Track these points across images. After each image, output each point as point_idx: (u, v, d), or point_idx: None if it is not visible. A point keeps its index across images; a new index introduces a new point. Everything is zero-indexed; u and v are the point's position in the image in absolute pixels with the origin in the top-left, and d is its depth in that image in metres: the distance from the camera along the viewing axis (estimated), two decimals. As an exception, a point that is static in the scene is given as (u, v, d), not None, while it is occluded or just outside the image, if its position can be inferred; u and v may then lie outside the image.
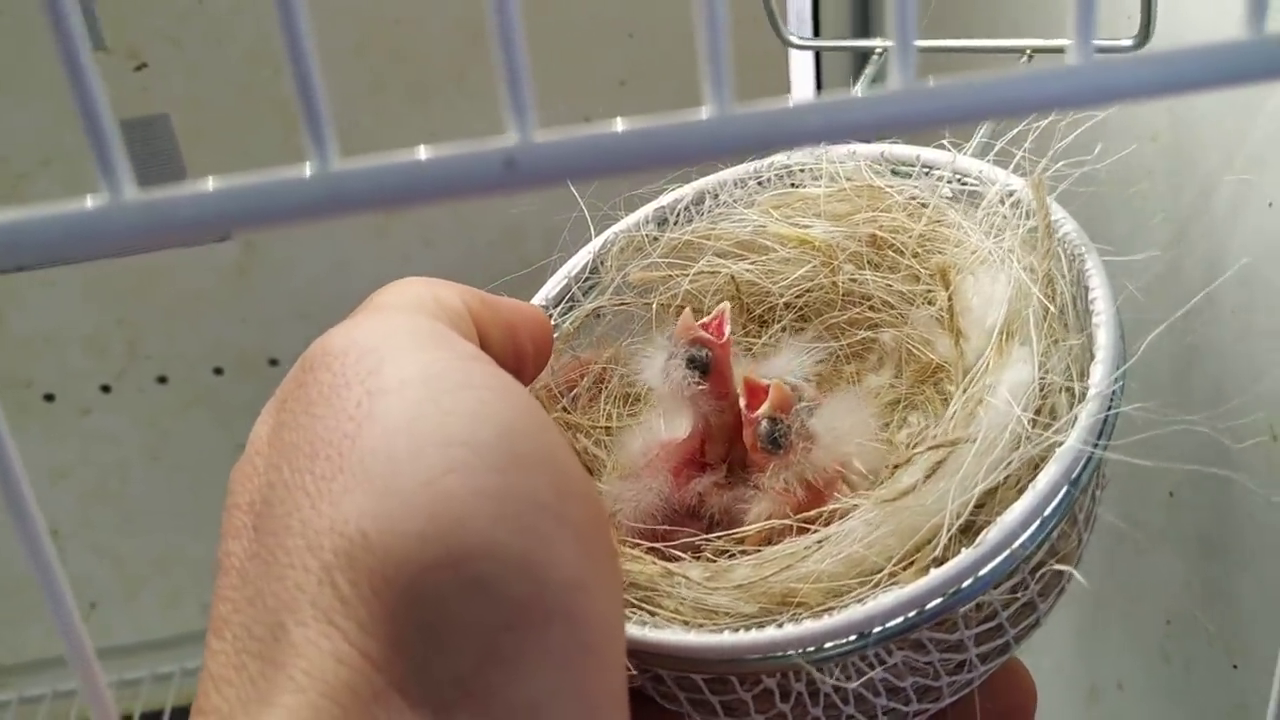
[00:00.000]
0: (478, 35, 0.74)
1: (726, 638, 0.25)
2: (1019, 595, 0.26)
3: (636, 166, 0.16)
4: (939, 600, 0.24)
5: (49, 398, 0.81)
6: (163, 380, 0.82)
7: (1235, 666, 0.48)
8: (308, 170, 0.16)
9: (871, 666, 0.25)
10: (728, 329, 0.31)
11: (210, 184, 0.16)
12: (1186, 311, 0.45)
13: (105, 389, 0.82)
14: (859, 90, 0.44)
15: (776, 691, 0.26)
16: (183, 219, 0.16)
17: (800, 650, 0.25)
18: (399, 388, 0.20)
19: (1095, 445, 0.26)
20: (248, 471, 0.22)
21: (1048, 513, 0.25)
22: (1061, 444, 0.26)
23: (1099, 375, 0.27)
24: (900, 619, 0.24)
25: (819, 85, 0.74)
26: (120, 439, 0.83)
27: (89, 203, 0.16)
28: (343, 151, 0.15)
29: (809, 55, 0.69)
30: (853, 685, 0.25)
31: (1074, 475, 0.25)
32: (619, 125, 0.16)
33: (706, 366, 0.31)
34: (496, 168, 0.15)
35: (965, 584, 0.25)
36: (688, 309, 0.32)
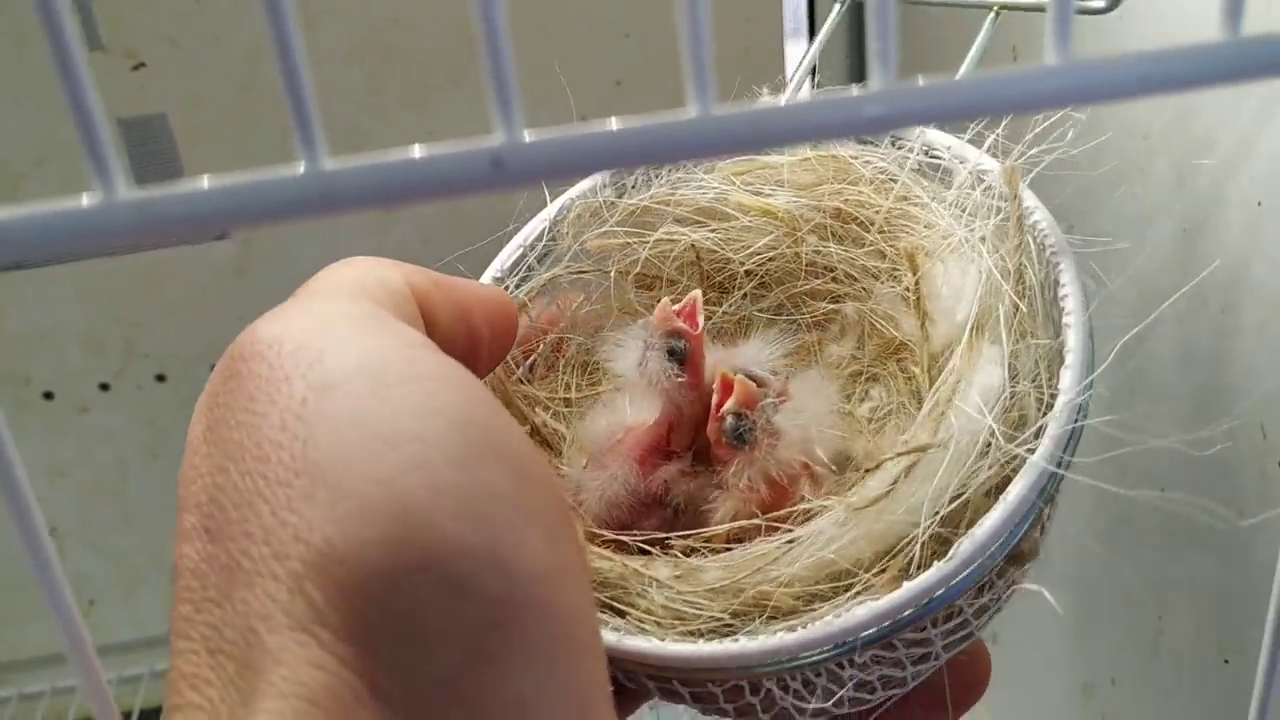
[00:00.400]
0: (475, 35, 0.74)
1: (703, 648, 0.25)
2: (984, 596, 0.26)
3: (622, 165, 0.16)
4: (911, 611, 0.25)
5: (48, 396, 0.81)
6: (161, 378, 0.82)
7: (1227, 661, 0.49)
8: (301, 169, 0.16)
9: (841, 668, 0.26)
10: (700, 320, 0.31)
11: (204, 182, 0.16)
12: (1177, 311, 0.46)
13: (104, 387, 0.82)
14: (808, 59, 0.42)
15: (746, 686, 0.26)
16: (177, 217, 0.16)
17: (774, 662, 0.25)
18: (344, 382, 0.20)
19: (1063, 457, 0.26)
20: (190, 474, 0.22)
21: (1016, 524, 0.25)
22: (1032, 453, 0.26)
23: (1068, 382, 0.27)
24: (873, 629, 0.25)
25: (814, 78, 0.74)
26: (119, 437, 0.83)
27: (84, 201, 0.16)
28: (340, 153, 0.16)
29: (801, 49, 0.70)
30: (822, 683, 0.26)
31: (1042, 487, 0.26)
32: (605, 125, 0.16)
33: (685, 357, 0.31)
34: (484, 167, 0.16)
35: (937, 594, 0.25)
36: (666, 299, 0.32)
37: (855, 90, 0.17)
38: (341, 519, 0.18)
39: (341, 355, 0.20)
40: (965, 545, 0.25)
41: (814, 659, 0.25)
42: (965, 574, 0.25)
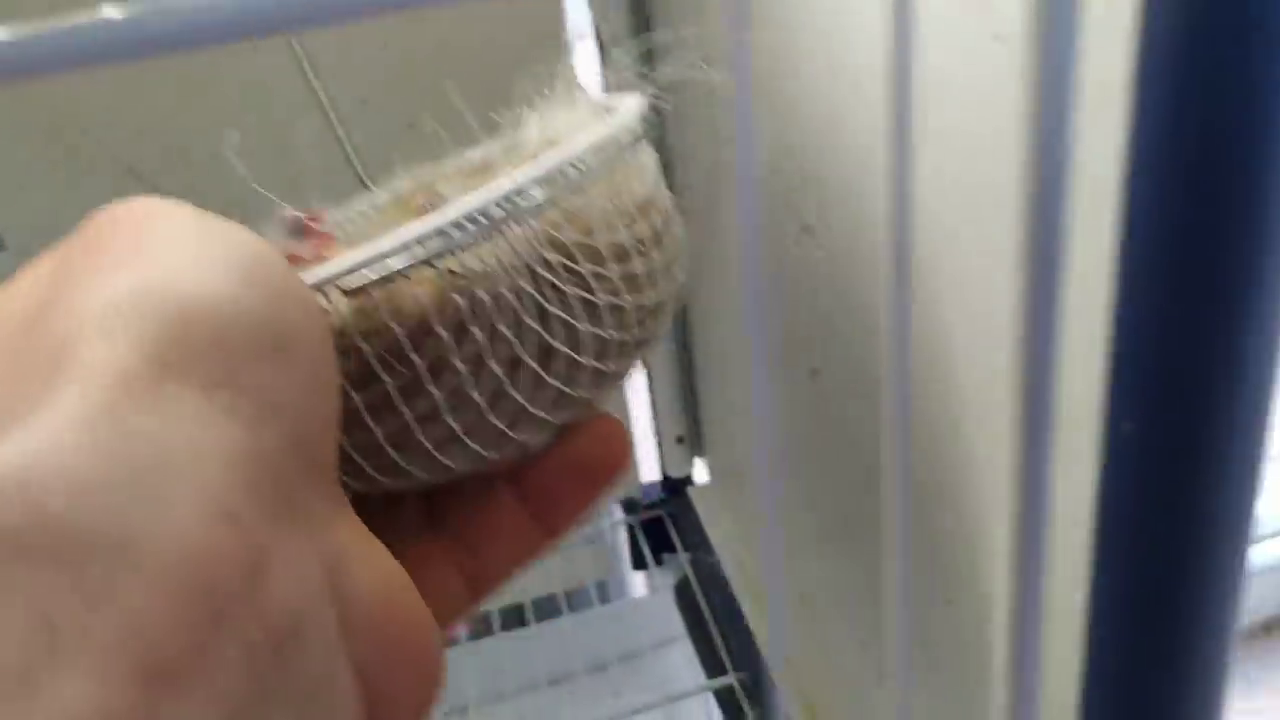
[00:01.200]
0: None
1: (358, 252, 0.26)
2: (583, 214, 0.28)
3: (26, 73, 0.16)
4: (511, 189, 0.26)
5: None
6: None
7: (950, 603, 0.50)
8: None
9: (532, 289, 0.27)
10: (326, 217, 0.34)
11: None
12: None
13: None
14: None
15: (448, 338, 0.26)
16: None
17: (422, 241, 0.26)
18: (178, 213, 0.23)
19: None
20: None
21: (601, 141, 0.28)
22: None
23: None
24: (499, 200, 0.26)
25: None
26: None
27: None
28: None
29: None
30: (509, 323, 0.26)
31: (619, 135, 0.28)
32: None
33: (300, 229, 0.33)
34: None
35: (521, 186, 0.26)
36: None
37: None
38: (167, 267, 0.21)
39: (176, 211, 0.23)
40: (551, 153, 0.27)
41: (470, 231, 0.26)
42: (560, 160, 0.27)
